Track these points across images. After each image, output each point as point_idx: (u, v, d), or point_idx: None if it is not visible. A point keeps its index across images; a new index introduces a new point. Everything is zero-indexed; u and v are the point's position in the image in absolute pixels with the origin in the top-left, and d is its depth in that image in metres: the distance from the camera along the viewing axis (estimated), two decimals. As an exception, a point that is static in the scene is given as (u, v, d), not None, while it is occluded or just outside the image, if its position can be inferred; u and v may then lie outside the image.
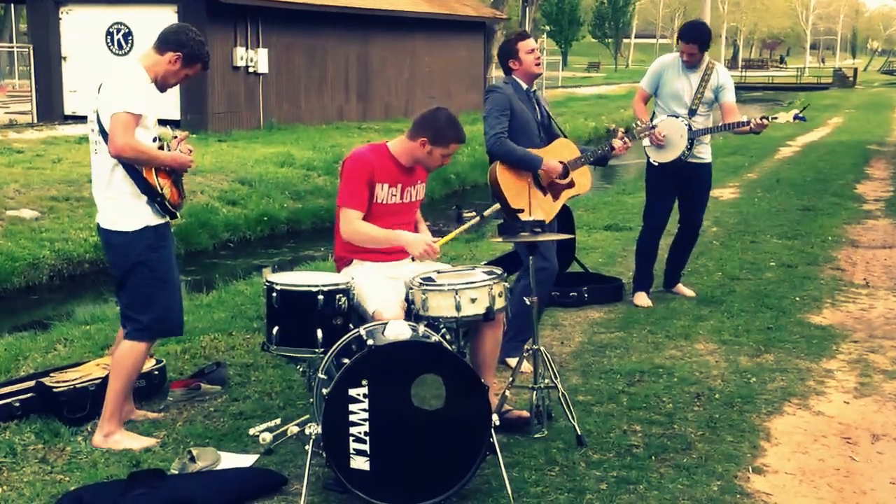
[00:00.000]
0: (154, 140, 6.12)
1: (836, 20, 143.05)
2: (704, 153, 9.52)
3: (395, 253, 6.28)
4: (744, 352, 8.24)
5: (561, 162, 7.80)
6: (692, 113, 9.30)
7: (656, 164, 9.34)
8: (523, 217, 7.48)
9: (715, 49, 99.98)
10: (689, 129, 9.19)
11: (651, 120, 9.30)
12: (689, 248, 10.09)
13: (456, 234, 6.68)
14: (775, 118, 9.29)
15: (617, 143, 8.12)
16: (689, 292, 9.99)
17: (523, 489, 5.63)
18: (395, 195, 6.36)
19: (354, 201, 6.21)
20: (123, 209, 6.07)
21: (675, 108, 9.34)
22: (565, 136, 8.14)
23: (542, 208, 7.71)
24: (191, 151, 6.39)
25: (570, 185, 7.98)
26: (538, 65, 7.86)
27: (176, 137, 6.39)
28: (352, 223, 6.21)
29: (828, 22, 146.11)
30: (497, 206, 7.02)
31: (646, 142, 9.20)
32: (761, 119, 9.09)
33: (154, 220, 6.12)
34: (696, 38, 9.27)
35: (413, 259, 6.31)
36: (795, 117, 9.30)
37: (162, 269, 6.21)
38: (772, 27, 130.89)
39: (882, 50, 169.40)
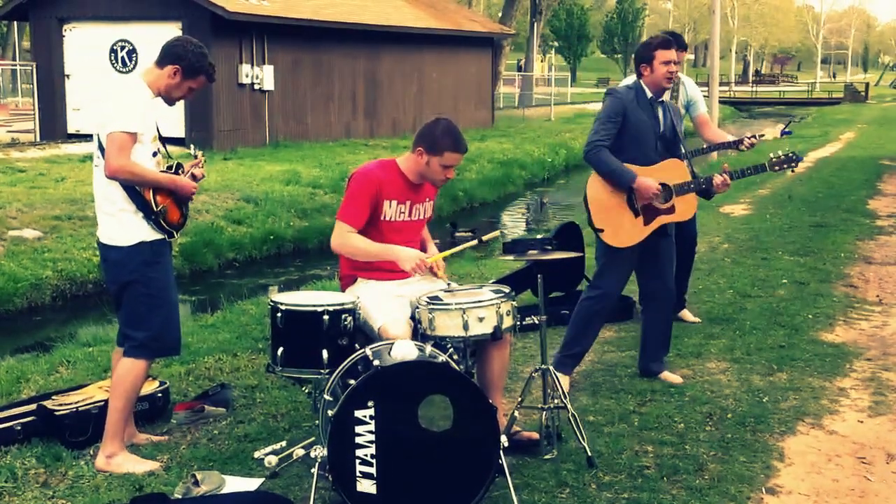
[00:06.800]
0: (154, 155, 6.07)
1: (847, 34, 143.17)
2: None
3: (400, 271, 6.20)
4: (756, 370, 8.14)
5: (665, 184, 7.41)
6: None
7: None
8: (603, 237, 7.34)
9: (725, 64, 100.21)
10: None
11: None
12: (689, 264, 9.77)
13: (448, 253, 6.55)
14: (762, 136, 9.10)
15: (717, 178, 7.61)
16: (694, 318, 9.74)
17: (533, 512, 5.55)
18: (404, 212, 6.32)
19: (351, 216, 6.18)
20: (120, 224, 6.06)
21: None
22: (689, 156, 7.86)
23: (626, 231, 7.40)
24: (202, 177, 6.36)
25: (670, 210, 7.52)
26: (669, 79, 7.47)
27: (195, 158, 6.35)
28: (343, 236, 6.18)
29: (839, 36, 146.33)
30: (496, 232, 6.84)
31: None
32: (750, 138, 8.92)
33: (150, 235, 6.09)
34: (683, 43, 9.05)
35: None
36: (783, 133, 9.16)
37: (157, 287, 6.17)
38: (782, 42, 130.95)
39: (894, 64, 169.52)
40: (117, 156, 5.82)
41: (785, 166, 7.97)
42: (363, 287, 6.24)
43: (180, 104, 6.19)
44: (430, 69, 37.06)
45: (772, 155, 7.99)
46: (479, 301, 5.80)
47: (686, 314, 9.75)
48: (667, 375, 7.91)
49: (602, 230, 7.32)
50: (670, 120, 7.62)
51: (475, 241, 6.66)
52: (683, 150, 7.80)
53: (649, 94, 7.51)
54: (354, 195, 6.20)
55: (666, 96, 7.67)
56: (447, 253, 6.51)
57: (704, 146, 9.31)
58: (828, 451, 6.52)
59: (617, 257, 7.52)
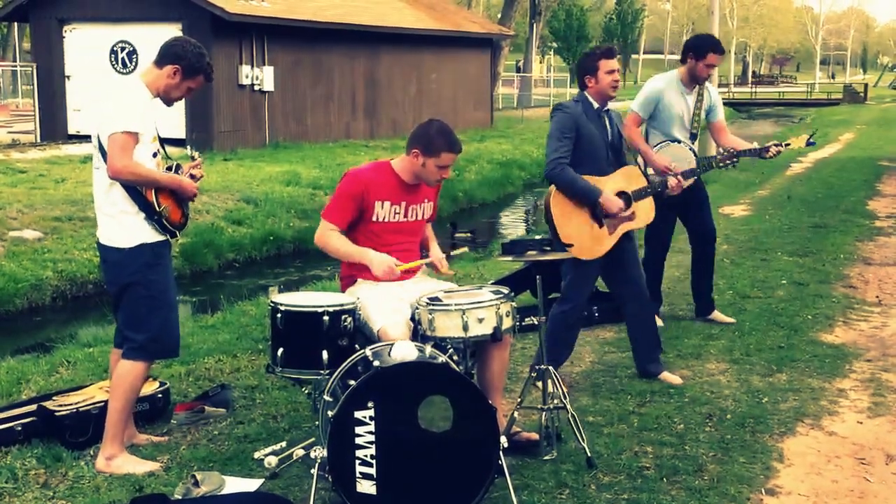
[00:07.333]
0: (154, 155, 6.07)
1: (846, 35, 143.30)
2: None
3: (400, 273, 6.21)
4: (755, 371, 8.15)
5: (623, 192, 7.54)
6: (693, 137, 9.16)
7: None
8: (573, 252, 7.35)
9: (724, 65, 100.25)
10: (696, 155, 9.07)
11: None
12: (710, 264, 9.80)
13: (421, 262, 6.52)
14: (787, 144, 9.19)
15: (671, 181, 7.85)
16: (728, 319, 9.73)
17: (533, 513, 5.55)
18: (399, 213, 6.33)
19: (334, 215, 6.25)
20: (120, 226, 6.05)
21: (676, 133, 9.11)
22: (636, 160, 7.92)
23: (594, 242, 7.46)
24: (201, 177, 6.36)
25: (631, 217, 7.65)
26: (615, 87, 7.51)
27: (193, 159, 6.36)
28: (324, 234, 6.28)
29: (838, 37, 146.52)
30: (467, 234, 6.86)
31: (650, 170, 9.00)
32: (777, 146, 9.00)
33: (151, 237, 6.08)
34: (722, 48, 9.17)
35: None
36: (808, 143, 9.31)
37: (158, 289, 6.17)
38: (781, 43, 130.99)
39: (893, 65, 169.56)
40: (120, 156, 5.81)
41: (728, 162, 8.44)
42: (363, 288, 6.24)
43: (180, 105, 6.17)
44: (430, 70, 37.06)
45: (717, 153, 8.40)
46: (479, 302, 5.81)
47: (718, 315, 9.77)
48: (666, 376, 7.94)
49: (571, 245, 7.33)
50: (616, 128, 7.72)
51: (429, 259, 6.62)
52: (628, 156, 7.91)
53: (596, 105, 7.56)
54: (340, 195, 6.28)
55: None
56: (418, 262, 6.47)
57: (731, 151, 9.33)
58: (827, 452, 6.53)
59: (587, 269, 7.59)
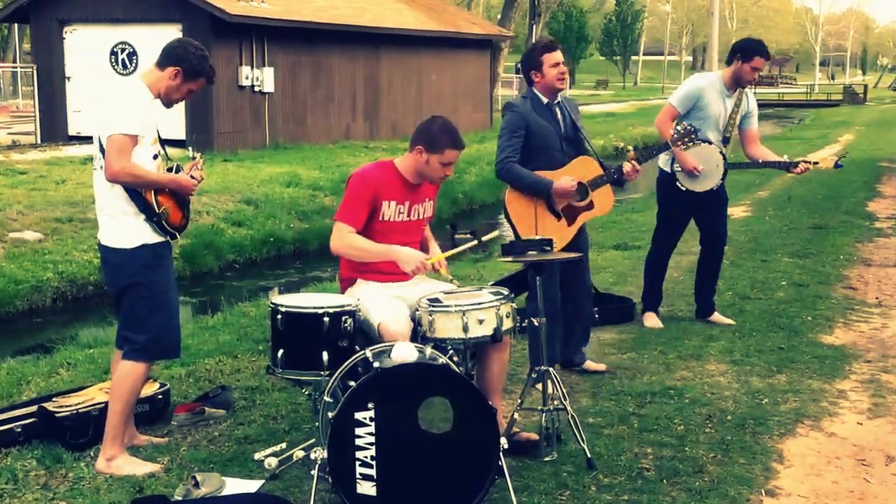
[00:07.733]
0: (154, 157, 6.07)
1: (845, 36, 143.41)
2: None
3: (400, 273, 6.20)
4: (756, 372, 8.15)
5: (579, 182, 7.58)
6: (725, 141, 9.18)
7: (683, 188, 9.15)
8: None
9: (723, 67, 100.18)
10: (725, 159, 9.09)
11: None
12: (718, 266, 9.78)
13: (449, 254, 6.56)
14: (816, 163, 9.28)
15: (626, 166, 7.70)
16: (728, 321, 9.71)
17: (533, 514, 5.55)
18: (403, 212, 6.34)
19: (349, 217, 6.20)
20: (121, 227, 6.05)
21: (709, 134, 9.10)
22: (592, 149, 7.92)
23: (554, 236, 7.34)
24: (202, 178, 6.35)
25: (589, 206, 7.72)
26: (561, 80, 7.56)
27: (194, 159, 6.36)
28: (343, 237, 6.20)
29: (837, 38, 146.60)
30: (496, 232, 6.91)
31: (676, 166, 9.02)
32: (806, 163, 9.06)
33: (152, 238, 6.08)
34: (768, 52, 9.25)
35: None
36: (836, 165, 9.45)
37: (159, 290, 6.16)
38: (781, 44, 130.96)
39: (892, 66, 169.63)
40: (118, 158, 5.81)
41: (686, 140, 8.23)
42: (363, 288, 6.25)
43: (180, 106, 6.16)
44: (430, 71, 37.06)
45: (672, 132, 8.24)
46: (479, 303, 5.82)
47: (718, 317, 9.76)
48: (590, 364, 8.12)
49: None
50: (569, 118, 7.75)
51: (475, 242, 6.67)
52: (588, 144, 7.90)
53: (545, 100, 7.61)
54: (352, 196, 6.23)
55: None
56: (448, 254, 6.52)
57: (760, 161, 9.36)
58: (827, 453, 6.53)
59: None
